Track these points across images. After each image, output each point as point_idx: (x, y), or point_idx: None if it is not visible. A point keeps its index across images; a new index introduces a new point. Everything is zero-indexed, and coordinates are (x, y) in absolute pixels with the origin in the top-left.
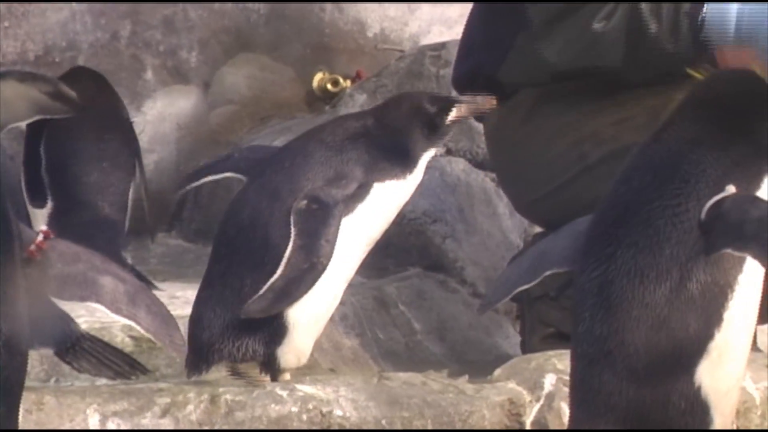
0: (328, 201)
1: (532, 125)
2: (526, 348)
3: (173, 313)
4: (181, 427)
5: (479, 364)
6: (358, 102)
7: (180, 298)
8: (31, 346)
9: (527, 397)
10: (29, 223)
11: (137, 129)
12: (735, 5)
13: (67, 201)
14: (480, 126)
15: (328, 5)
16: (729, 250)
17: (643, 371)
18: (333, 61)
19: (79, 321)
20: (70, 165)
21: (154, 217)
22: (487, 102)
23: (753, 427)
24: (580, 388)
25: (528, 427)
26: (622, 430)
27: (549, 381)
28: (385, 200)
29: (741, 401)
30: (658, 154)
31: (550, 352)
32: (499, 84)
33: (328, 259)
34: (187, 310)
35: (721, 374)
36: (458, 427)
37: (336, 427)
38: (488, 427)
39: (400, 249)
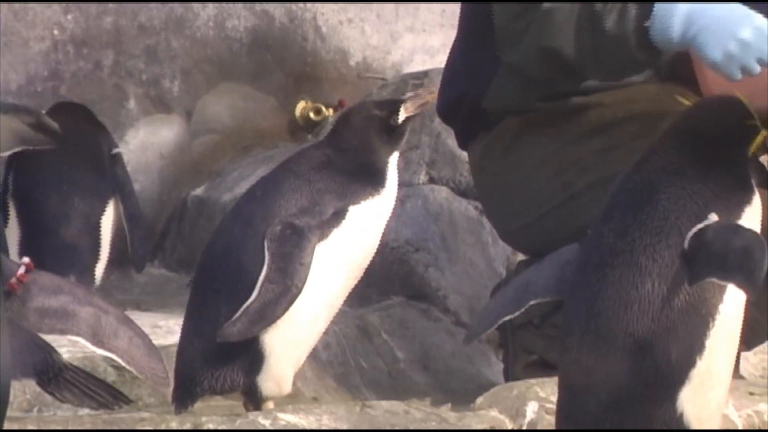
0: (302, 226)
1: (516, 153)
2: (509, 376)
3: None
4: None
5: (462, 392)
6: None
7: (162, 328)
8: (13, 376)
9: (509, 425)
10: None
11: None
12: (682, 8)
13: (32, 227)
14: (463, 154)
15: (311, 35)
16: (713, 280)
17: (627, 399)
18: (315, 90)
19: (61, 350)
20: (33, 191)
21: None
22: (429, 94)
23: None
24: (566, 416)
25: None
26: None
27: (531, 409)
28: (364, 221)
29: (723, 429)
30: (638, 189)
31: (532, 380)
32: (483, 112)
33: (303, 282)
34: (171, 340)
35: (703, 401)
36: None
37: None
38: None
39: (383, 278)
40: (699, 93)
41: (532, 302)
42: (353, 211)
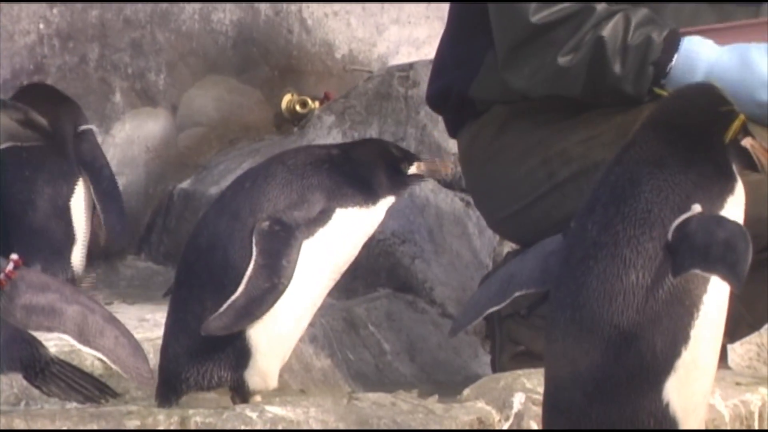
0: (290, 223)
1: (503, 142)
2: (496, 366)
3: (143, 335)
4: None
5: (449, 384)
6: (326, 123)
7: (149, 321)
8: None
9: (496, 416)
10: None
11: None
12: (705, 62)
13: None
14: (449, 146)
15: (296, 27)
16: (697, 271)
17: (613, 390)
18: (301, 82)
19: (48, 344)
20: None
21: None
22: (445, 167)
23: None
24: (553, 407)
25: None
26: None
27: (518, 400)
28: (348, 226)
29: (710, 419)
30: (620, 182)
31: (519, 372)
32: (470, 101)
33: (289, 279)
34: (157, 333)
35: (689, 391)
36: None
37: None
38: None
39: (369, 270)
40: None
41: (516, 294)
42: (340, 213)
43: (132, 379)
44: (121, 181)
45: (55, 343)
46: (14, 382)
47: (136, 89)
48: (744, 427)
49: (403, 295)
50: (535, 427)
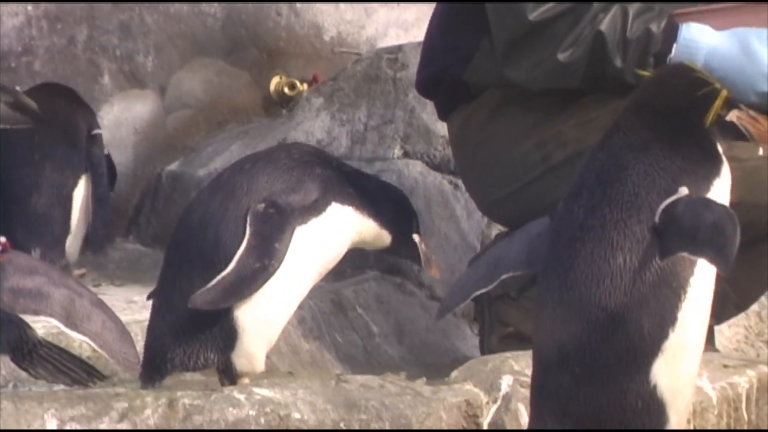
0: (285, 207)
1: (497, 125)
2: (485, 348)
3: (130, 317)
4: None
5: (437, 366)
6: (315, 105)
7: (137, 303)
8: None
9: (484, 398)
10: None
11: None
12: (704, 50)
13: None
14: (437, 129)
15: (285, 10)
16: (684, 254)
17: (600, 372)
18: (289, 65)
19: (36, 326)
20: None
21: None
22: (435, 266)
23: (709, 427)
24: (540, 389)
25: (485, 428)
26: (580, 430)
27: (506, 382)
28: (341, 223)
29: (698, 401)
30: (606, 166)
31: (507, 354)
32: (464, 85)
33: (279, 262)
34: (145, 315)
35: (676, 372)
36: (415, 428)
37: (293, 430)
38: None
39: (358, 252)
40: None
41: (503, 276)
42: (335, 207)
43: (118, 363)
44: None
45: (43, 324)
46: (2, 363)
47: (125, 71)
48: (732, 410)
49: (392, 277)
50: (522, 409)
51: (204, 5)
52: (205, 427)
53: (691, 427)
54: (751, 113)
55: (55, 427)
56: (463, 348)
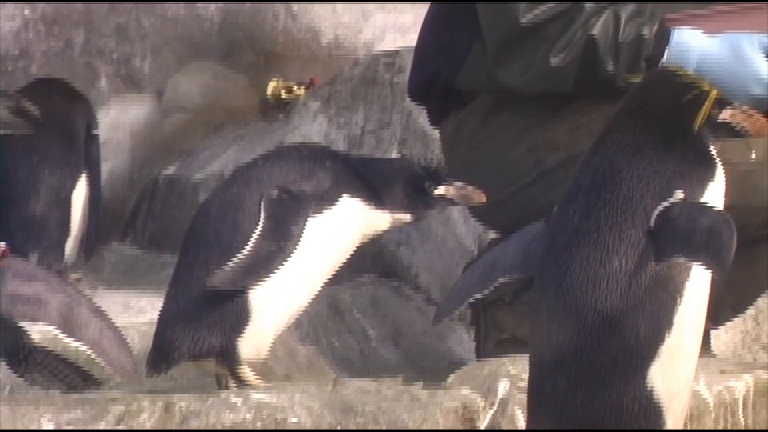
0: (299, 194)
1: (489, 130)
2: (481, 353)
3: (127, 321)
4: None
5: (433, 370)
6: (312, 109)
7: (134, 307)
8: None
9: (481, 402)
10: None
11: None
12: (696, 54)
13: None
14: (434, 132)
15: (282, 13)
16: (680, 259)
17: (597, 376)
18: (286, 68)
19: (33, 329)
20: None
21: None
22: (476, 195)
23: None
24: (537, 394)
25: None
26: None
27: (503, 386)
28: (350, 216)
29: (694, 405)
30: (600, 170)
31: (504, 358)
32: (456, 90)
33: (295, 245)
34: (142, 319)
35: (673, 376)
36: None
37: None
38: None
39: (355, 256)
40: None
41: (499, 280)
42: (346, 199)
43: (115, 372)
44: (106, 167)
45: (39, 328)
46: None
47: (122, 74)
48: (729, 414)
49: (388, 281)
50: (519, 413)
51: (201, 9)
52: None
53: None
54: (745, 110)
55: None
56: (460, 352)
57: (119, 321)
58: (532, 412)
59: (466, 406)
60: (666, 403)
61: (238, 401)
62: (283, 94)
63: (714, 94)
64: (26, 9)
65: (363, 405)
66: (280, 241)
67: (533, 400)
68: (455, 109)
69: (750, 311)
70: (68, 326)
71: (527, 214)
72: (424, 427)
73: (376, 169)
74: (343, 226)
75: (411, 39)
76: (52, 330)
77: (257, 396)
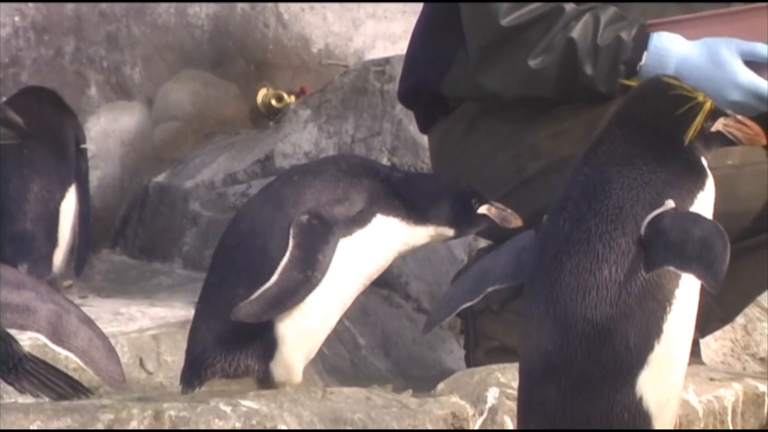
0: (329, 219)
1: (474, 138)
2: (471, 362)
3: (117, 329)
4: None
5: (423, 378)
6: (302, 117)
7: (124, 315)
8: None
9: (470, 410)
10: None
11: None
12: (674, 58)
13: None
14: (424, 140)
15: (272, 21)
16: (671, 268)
17: (586, 384)
18: (277, 77)
19: (23, 337)
20: None
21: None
22: (515, 219)
23: None
24: (526, 402)
25: None
26: None
27: (492, 395)
28: (385, 235)
29: (684, 414)
30: (591, 180)
31: (493, 366)
32: (441, 98)
33: (323, 273)
34: (132, 327)
35: (662, 384)
36: None
37: None
38: None
39: None
40: None
41: (489, 289)
42: (380, 218)
43: (104, 381)
44: (96, 175)
45: (29, 336)
46: None
47: (112, 83)
48: (718, 423)
49: (378, 289)
50: (509, 421)
51: (192, 17)
52: None
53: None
54: (738, 118)
55: None
56: (450, 361)
57: (109, 329)
58: (521, 421)
59: (456, 414)
60: (655, 411)
61: (228, 409)
62: (273, 102)
63: (708, 106)
64: (16, 17)
65: (352, 413)
66: (308, 271)
67: (523, 408)
68: (442, 116)
69: (739, 320)
70: (57, 335)
71: None
72: None
73: (421, 185)
74: (375, 246)
75: (401, 47)
76: (41, 338)
77: (247, 404)
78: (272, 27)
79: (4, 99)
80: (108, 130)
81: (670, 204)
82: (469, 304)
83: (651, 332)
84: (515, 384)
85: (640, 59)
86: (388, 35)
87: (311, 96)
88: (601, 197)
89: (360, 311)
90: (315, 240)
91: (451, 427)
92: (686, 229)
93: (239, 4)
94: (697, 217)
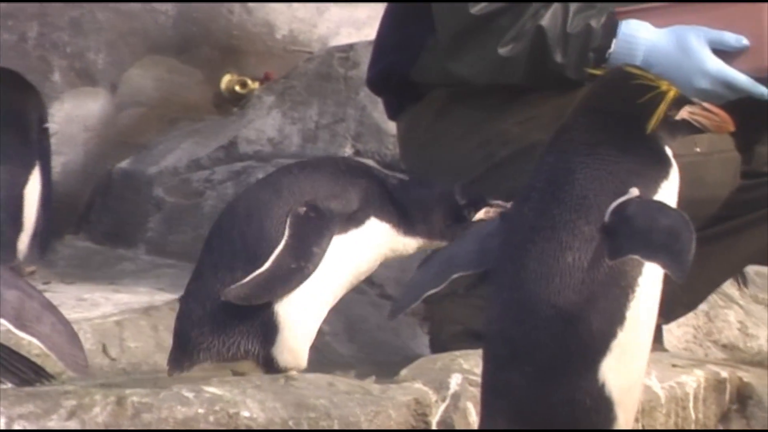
0: (326, 212)
1: (443, 125)
2: (435, 346)
3: (80, 315)
4: (88, 428)
5: (387, 364)
6: (266, 103)
7: (87, 301)
8: None
9: (433, 397)
10: None
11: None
12: (643, 46)
13: None
14: (389, 127)
15: (237, 7)
16: (635, 257)
17: (550, 371)
18: (241, 63)
19: None
20: None
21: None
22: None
23: (658, 427)
24: (490, 388)
25: (434, 427)
26: (530, 430)
27: (455, 381)
28: (375, 239)
29: (646, 400)
30: (555, 169)
31: (456, 352)
32: (411, 84)
33: (315, 266)
34: (95, 312)
35: (624, 371)
36: (365, 427)
37: (243, 428)
38: (394, 427)
39: None
40: None
41: (455, 275)
42: (374, 222)
43: (67, 366)
44: (59, 160)
45: None
46: None
47: (76, 68)
48: (680, 409)
49: None
50: (471, 407)
51: (156, 3)
52: (154, 425)
53: (639, 426)
54: (705, 106)
55: (3, 426)
56: (414, 346)
57: (72, 315)
58: (484, 407)
59: (419, 401)
60: (618, 397)
61: (191, 395)
62: (237, 88)
63: (671, 94)
64: None
65: (315, 399)
66: (301, 261)
67: (486, 394)
68: (411, 103)
69: (702, 307)
70: (20, 320)
71: None
72: (376, 422)
73: (415, 197)
74: (367, 248)
75: (366, 34)
76: (4, 323)
77: (210, 390)
78: (237, 13)
79: None
80: (72, 115)
81: (634, 192)
82: (434, 290)
83: (614, 319)
84: (478, 370)
85: (609, 47)
86: (352, 21)
87: (275, 82)
88: (565, 186)
89: None
90: (311, 232)
91: (414, 413)
92: (652, 217)
93: None
94: (662, 206)
